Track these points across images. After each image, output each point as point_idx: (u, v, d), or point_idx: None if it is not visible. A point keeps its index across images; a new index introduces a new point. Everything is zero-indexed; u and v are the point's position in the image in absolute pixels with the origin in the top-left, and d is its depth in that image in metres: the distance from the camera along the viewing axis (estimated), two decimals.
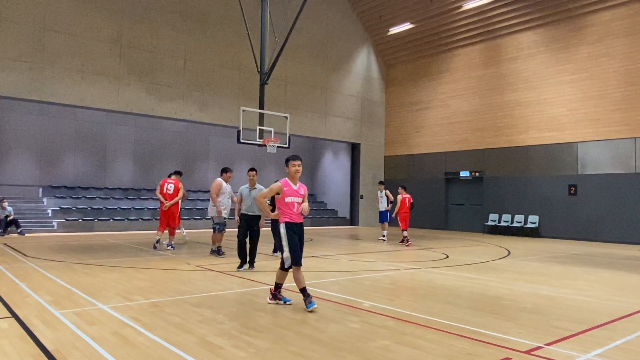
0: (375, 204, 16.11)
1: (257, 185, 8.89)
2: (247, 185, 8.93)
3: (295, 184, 5.79)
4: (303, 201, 5.81)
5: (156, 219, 19.35)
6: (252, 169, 8.92)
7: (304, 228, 5.90)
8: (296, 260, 5.58)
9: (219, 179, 10.37)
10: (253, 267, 8.72)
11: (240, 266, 8.64)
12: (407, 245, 14.15)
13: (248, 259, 8.74)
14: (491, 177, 20.69)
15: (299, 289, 5.61)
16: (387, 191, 16.21)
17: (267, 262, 9.75)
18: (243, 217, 8.75)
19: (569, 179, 18.13)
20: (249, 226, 8.74)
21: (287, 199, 5.69)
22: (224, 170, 10.49)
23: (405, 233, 14.69)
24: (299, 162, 5.81)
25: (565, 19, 18.50)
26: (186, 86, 18.56)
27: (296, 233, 5.69)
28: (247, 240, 8.72)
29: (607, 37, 17.32)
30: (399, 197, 14.78)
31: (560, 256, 12.23)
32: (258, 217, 8.80)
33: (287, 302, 5.81)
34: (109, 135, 21.02)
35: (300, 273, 5.61)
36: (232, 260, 10.01)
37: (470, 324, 5.02)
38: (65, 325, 4.70)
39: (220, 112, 19.36)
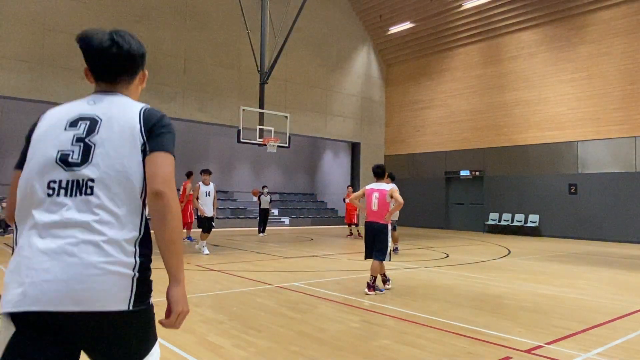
0: None
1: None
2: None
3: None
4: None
5: None
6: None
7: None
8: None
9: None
10: None
11: None
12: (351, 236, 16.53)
13: None
14: (491, 176, 20.68)
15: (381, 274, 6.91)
16: None
17: (268, 262, 9.76)
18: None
19: (569, 178, 18.12)
20: None
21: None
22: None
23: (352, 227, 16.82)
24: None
25: (565, 18, 18.49)
26: (186, 86, 18.55)
27: None
28: None
29: (607, 36, 17.31)
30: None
31: (561, 255, 12.23)
32: None
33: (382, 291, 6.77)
34: None
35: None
36: (236, 259, 10.02)
37: (471, 323, 5.02)
38: None
39: (220, 112, 19.35)
